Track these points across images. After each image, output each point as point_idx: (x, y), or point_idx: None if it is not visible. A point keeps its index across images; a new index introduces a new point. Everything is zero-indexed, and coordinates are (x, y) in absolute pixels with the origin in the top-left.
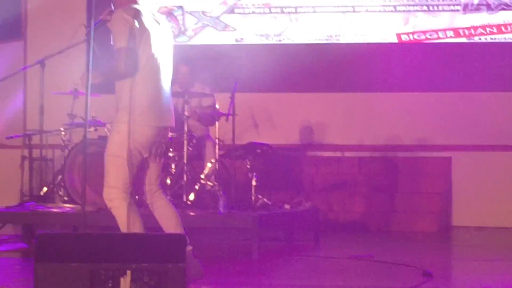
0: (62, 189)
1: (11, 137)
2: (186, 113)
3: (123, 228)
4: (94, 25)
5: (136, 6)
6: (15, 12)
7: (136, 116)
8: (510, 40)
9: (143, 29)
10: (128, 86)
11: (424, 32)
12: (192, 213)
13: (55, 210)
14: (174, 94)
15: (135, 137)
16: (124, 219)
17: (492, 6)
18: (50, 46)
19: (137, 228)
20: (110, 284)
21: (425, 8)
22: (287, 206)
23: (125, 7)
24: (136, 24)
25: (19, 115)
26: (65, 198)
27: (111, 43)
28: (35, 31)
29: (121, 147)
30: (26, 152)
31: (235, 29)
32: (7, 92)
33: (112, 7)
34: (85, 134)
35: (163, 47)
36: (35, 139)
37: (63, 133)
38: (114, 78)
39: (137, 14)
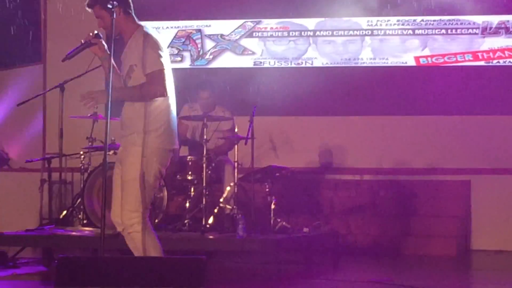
0: (81, 212)
1: (31, 161)
2: (205, 137)
3: (142, 253)
4: (76, 49)
5: (147, 26)
6: (35, 35)
7: (154, 138)
8: None
9: (164, 50)
10: (144, 108)
11: (442, 56)
12: (211, 237)
13: (74, 233)
14: (194, 117)
15: (156, 159)
16: (145, 243)
17: (511, 29)
18: (69, 70)
19: (157, 252)
20: None
21: (443, 31)
22: (306, 230)
23: (139, 27)
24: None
25: (38, 139)
26: (85, 221)
27: (134, 64)
28: (55, 55)
29: (141, 171)
30: (45, 175)
31: (254, 53)
32: (27, 116)
33: (96, 32)
34: (105, 157)
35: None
36: (55, 162)
37: (82, 156)
38: (145, 99)
39: (157, 34)
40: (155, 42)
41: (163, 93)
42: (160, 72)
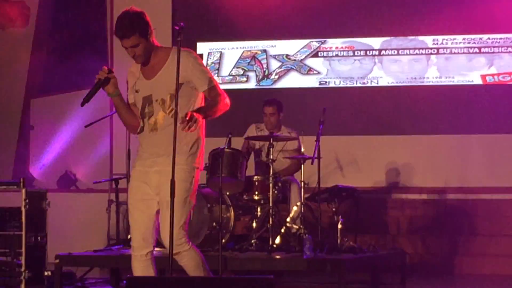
0: None
1: (99, 182)
2: (271, 157)
3: (194, 271)
4: (92, 89)
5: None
6: (103, 57)
7: (191, 158)
8: None
9: None
10: (198, 130)
11: (509, 74)
12: (278, 257)
13: None
14: (260, 137)
15: (195, 180)
16: (197, 260)
17: None
18: None
19: (206, 271)
20: None
21: (510, 49)
22: (373, 249)
23: (172, 48)
24: None
25: (106, 160)
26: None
27: (182, 83)
28: (121, 77)
29: (190, 191)
30: (113, 196)
31: (319, 72)
32: (95, 137)
33: (108, 68)
34: (173, 178)
35: None
36: (122, 183)
37: None
38: (225, 109)
39: None
40: (198, 58)
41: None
42: (216, 83)
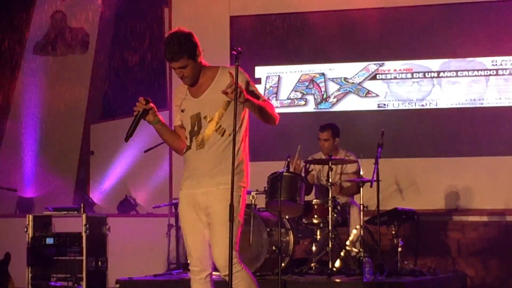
0: None
1: (158, 206)
2: (330, 180)
3: None
4: (133, 123)
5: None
6: (161, 83)
7: (239, 179)
8: None
9: None
10: (229, 148)
11: None
12: (337, 280)
13: None
14: (318, 161)
15: (242, 199)
16: (249, 282)
17: None
18: None
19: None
20: None
21: None
22: (433, 272)
23: (219, 66)
24: None
25: (165, 184)
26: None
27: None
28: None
29: (238, 211)
30: (172, 220)
31: (378, 95)
32: (153, 162)
33: (146, 98)
34: (231, 202)
35: None
36: None
37: None
38: (273, 118)
39: None
40: (249, 77)
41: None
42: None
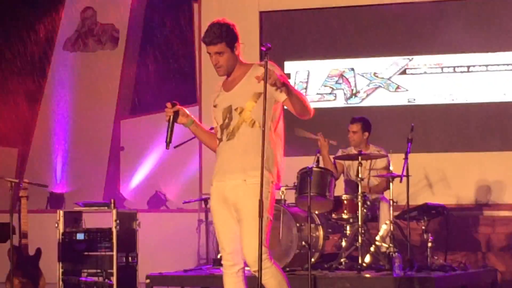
0: None
1: (188, 201)
2: (360, 175)
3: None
4: (168, 131)
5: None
6: (191, 78)
7: (268, 173)
8: None
9: None
10: (258, 143)
11: None
12: (367, 275)
13: None
14: (349, 156)
15: (271, 195)
16: (279, 279)
17: None
18: None
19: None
20: None
21: None
22: (463, 267)
23: (244, 62)
24: None
25: (195, 180)
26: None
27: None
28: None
29: (267, 207)
30: (202, 216)
31: (407, 90)
32: (184, 157)
33: (173, 102)
34: (261, 198)
35: None
36: None
37: None
38: (307, 110)
39: None
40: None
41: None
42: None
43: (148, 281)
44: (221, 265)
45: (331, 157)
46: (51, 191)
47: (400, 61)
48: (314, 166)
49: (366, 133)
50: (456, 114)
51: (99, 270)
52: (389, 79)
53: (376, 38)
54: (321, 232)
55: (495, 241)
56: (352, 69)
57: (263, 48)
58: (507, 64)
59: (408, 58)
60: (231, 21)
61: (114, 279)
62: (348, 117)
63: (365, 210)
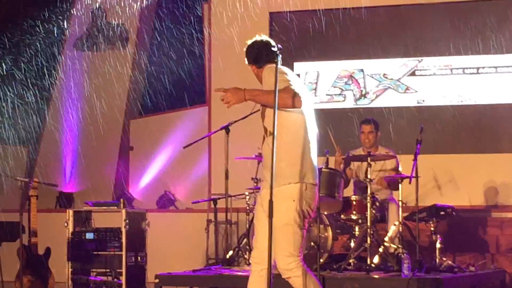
0: (247, 252)
1: (197, 202)
2: (369, 176)
3: None
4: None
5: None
6: (200, 78)
7: (302, 177)
8: None
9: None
10: (280, 148)
11: None
12: (376, 276)
13: (240, 273)
14: (358, 157)
15: (306, 199)
16: (305, 286)
17: None
18: (233, 112)
19: None
20: None
21: None
22: (472, 268)
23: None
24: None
25: (204, 180)
26: (251, 262)
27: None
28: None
29: (296, 213)
30: (211, 216)
31: (417, 91)
32: (193, 158)
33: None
34: (271, 198)
35: (310, 106)
36: (220, 203)
37: (247, 197)
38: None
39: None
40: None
41: (293, 104)
42: (286, 87)
43: (157, 280)
44: (229, 265)
45: (341, 155)
46: (60, 191)
47: (410, 62)
48: (323, 167)
49: (379, 133)
50: (465, 116)
51: (108, 270)
52: (398, 80)
53: (386, 39)
54: (330, 233)
55: (503, 242)
56: (362, 70)
57: (275, 49)
58: None
59: (418, 60)
60: (263, 37)
61: (123, 279)
62: (358, 118)
63: (374, 211)
